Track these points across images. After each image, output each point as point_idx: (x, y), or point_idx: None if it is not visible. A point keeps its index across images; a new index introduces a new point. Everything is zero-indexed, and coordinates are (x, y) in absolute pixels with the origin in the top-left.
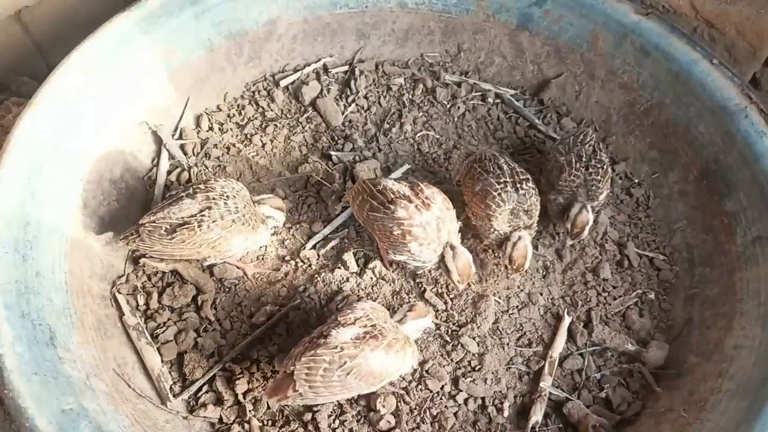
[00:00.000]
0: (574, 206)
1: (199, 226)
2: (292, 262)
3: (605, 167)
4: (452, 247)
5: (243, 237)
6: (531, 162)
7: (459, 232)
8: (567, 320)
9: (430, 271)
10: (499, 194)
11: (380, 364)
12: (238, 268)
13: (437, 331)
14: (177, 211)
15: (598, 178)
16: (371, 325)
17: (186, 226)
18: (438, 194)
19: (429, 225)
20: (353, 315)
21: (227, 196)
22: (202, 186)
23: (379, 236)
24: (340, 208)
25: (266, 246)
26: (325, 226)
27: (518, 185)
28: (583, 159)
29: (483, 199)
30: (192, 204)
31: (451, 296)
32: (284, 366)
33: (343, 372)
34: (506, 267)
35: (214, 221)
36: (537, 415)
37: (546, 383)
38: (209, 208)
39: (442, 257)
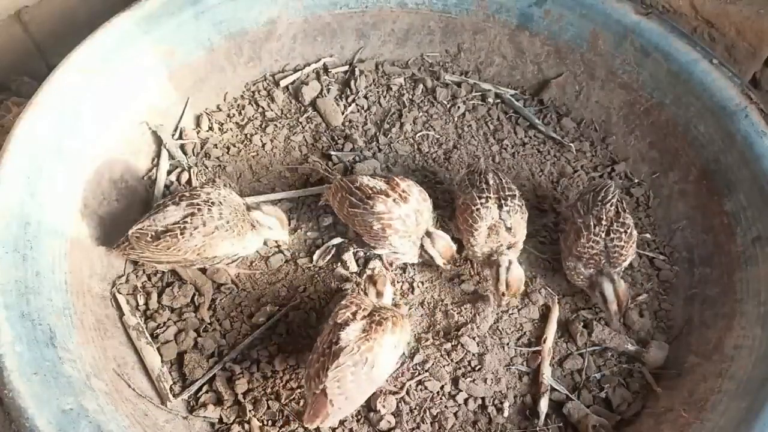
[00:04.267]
0: (604, 284)
1: (181, 234)
2: (292, 262)
3: (629, 231)
4: (428, 234)
5: (229, 243)
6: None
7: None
8: (556, 309)
9: (413, 266)
10: (478, 209)
11: (393, 346)
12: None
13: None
14: (161, 219)
15: (621, 244)
16: (368, 314)
17: (169, 233)
18: (413, 186)
19: (408, 217)
20: (348, 311)
21: (212, 203)
22: (187, 193)
23: (361, 231)
24: None
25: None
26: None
27: (502, 201)
28: (604, 222)
29: (463, 212)
30: (176, 211)
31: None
32: (312, 388)
33: (369, 367)
34: (500, 293)
35: (196, 228)
36: (544, 409)
37: (546, 374)
38: (192, 214)
39: (422, 247)
